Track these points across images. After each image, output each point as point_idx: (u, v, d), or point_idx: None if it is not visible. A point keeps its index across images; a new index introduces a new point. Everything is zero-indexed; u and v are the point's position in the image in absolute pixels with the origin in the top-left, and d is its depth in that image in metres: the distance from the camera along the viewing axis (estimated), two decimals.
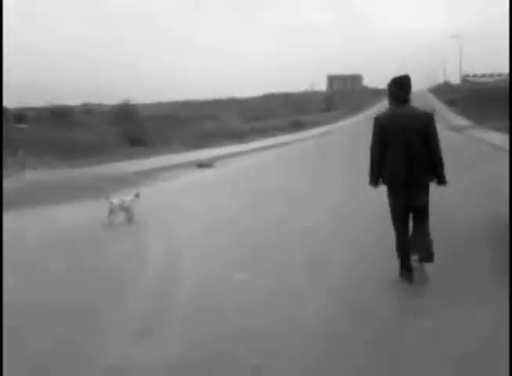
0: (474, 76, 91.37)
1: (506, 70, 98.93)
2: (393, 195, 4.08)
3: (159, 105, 58.99)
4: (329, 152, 17.91)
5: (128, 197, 6.54)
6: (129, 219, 6.44)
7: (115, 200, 6.37)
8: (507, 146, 16.52)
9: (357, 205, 7.27)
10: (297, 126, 34.15)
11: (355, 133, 26.76)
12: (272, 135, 27.52)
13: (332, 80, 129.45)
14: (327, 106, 57.98)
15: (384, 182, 4.11)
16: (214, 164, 13.13)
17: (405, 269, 4.04)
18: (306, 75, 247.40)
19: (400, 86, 3.98)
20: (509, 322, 3.17)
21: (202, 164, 12.87)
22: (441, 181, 4.04)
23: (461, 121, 34.52)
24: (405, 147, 3.87)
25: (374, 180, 4.15)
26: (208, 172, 12.05)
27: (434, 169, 3.99)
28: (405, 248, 4.04)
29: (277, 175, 11.42)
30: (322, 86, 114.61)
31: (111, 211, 6.28)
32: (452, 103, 51.06)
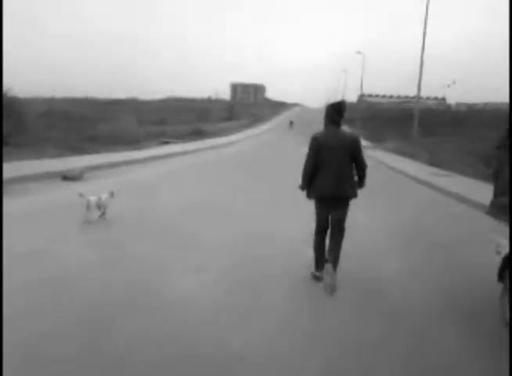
0: (370, 96, 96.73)
1: (398, 93, 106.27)
2: (319, 207, 4.66)
3: (52, 101, 52.96)
4: (231, 167, 16.14)
5: (103, 195, 6.71)
6: (103, 216, 6.71)
7: (92, 198, 6.53)
8: (410, 172, 16.19)
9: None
10: (198, 134, 32.02)
11: (256, 148, 25.44)
12: (170, 142, 25.08)
13: (235, 88, 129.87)
14: (229, 115, 56.54)
15: (312, 195, 4.63)
16: (84, 177, 10.44)
17: (319, 268, 4.67)
18: (212, 83, 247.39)
19: (335, 109, 4.46)
20: (509, 323, 3.29)
21: (68, 176, 10.10)
22: (361, 185, 4.69)
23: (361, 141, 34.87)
24: (335, 165, 4.41)
25: (304, 186, 4.66)
26: (66, 191, 8.89)
27: (359, 179, 4.65)
28: (321, 250, 4.70)
29: (165, 196, 9.22)
30: (226, 95, 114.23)
31: (88, 208, 6.46)
32: (349, 122, 52.51)
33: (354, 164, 4.53)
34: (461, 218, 8.98)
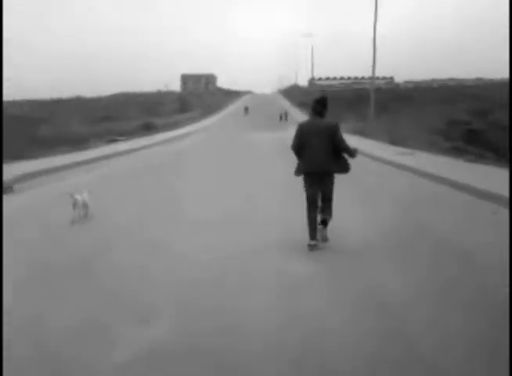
0: (320, 79, 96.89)
1: (349, 74, 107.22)
2: (307, 182, 5.40)
3: None
4: (185, 164, 15.06)
5: (84, 194, 6.67)
6: (87, 214, 6.63)
7: (79, 196, 6.47)
8: (375, 153, 15.62)
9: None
10: (148, 129, 30.52)
11: (209, 142, 24.39)
12: (117, 140, 23.57)
13: (186, 79, 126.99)
14: (181, 107, 54.88)
15: (301, 171, 5.43)
16: (14, 188, 9.07)
17: (312, 238, 5.32)
18: (162, 76, 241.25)
19: (319, 103, 5.35)
20: (509, 321, 3.27)
21: None
22: (351, 155, 5.39)
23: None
24: (314, 147, 5.24)
25: (297, 171, 5.51)
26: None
27: (348, 153, 5.36)
28: (313, 222, 5.37)
29: (111, 205, 8.07)
30: (177, 87, 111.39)
31: (75, 207, 6.41)
32: (303, 105, 52.22)
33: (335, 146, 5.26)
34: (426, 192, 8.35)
